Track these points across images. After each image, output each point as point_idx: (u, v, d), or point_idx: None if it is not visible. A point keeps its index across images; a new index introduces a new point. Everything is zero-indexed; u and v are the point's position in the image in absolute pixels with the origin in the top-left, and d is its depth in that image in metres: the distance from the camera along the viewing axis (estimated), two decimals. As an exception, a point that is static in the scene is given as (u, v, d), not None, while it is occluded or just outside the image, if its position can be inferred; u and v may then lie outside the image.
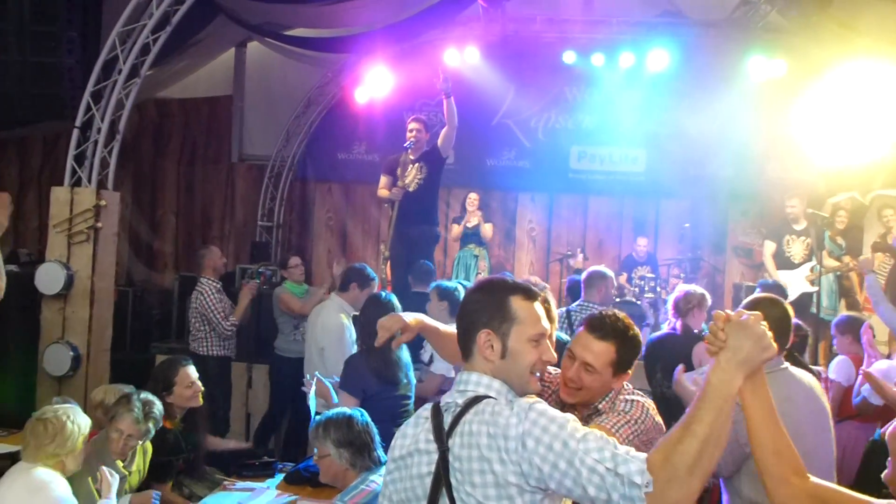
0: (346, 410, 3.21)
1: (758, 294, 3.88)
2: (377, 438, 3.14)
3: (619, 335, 2.49)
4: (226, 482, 3.86)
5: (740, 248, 9.36)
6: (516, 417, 1.73)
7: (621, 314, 2.57)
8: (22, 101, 6.00)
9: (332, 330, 4.93)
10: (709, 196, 9.16)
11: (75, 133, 5.95)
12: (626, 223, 9.47)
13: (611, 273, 5.42)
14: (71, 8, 5.95)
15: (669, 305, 4.91)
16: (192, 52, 8.87)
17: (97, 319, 5.84)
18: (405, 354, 4.13)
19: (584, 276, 5.42)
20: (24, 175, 10.47)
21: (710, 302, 4.81)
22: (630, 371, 2.55)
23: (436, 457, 1.80)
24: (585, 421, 2.48)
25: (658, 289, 7.95)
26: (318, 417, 3.25)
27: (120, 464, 3.62)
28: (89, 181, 5.89)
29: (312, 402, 3.86)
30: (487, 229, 8.55)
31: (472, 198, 8.57)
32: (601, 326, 2.49)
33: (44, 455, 3.06)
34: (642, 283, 8.03)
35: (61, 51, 5.90)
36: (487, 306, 1.93)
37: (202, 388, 4.19)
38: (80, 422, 3.18)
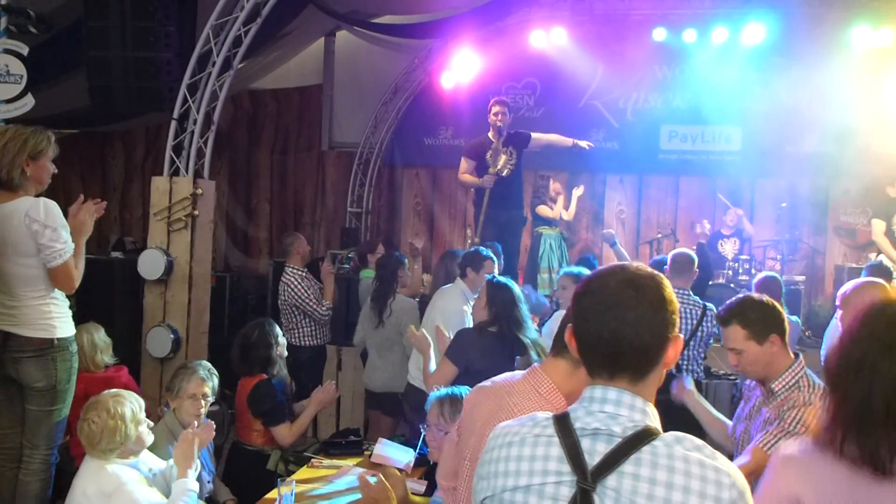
0: (456, 390, 3.19)
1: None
2: None
3: (737, 314, 2.82)
4: (314, 460, 3.97)
5: (842, 228, 8.92)
6: (728, 478, 1.35)
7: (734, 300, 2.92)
8: (124, 95, 6.24)
9: (451, 315, 4.88)
10: (808, 174, 8.77)
11: (173, 124, 6.18)
12: (719, 204, 9.18)
13: (695, 256, 5.29)
14: (168, 3, 6.15)
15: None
16: (282, 43, 9.10)
17: (195, 303, 6.08)
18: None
19: (670, 259, 5.28)
20: (129, 166, 11.00)
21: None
22: (779, 334, 2.79)
23: (567, 491, 1.39)
24: (767, 398, 2.84)
25: (753, 271, 7.68)
26: (437, 394, 3.25)
27: None
28: (187, 171, 6.12)
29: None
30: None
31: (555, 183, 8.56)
32: (721, 317, 2.91)
33: (101, 452, 3.07)
34: (736, 265, 7.78)
35: (159, 45, 6.09)
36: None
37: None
38: (123, 411, 3.12)
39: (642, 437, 1.38)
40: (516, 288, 4.16)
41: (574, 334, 1.51)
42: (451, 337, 4.18)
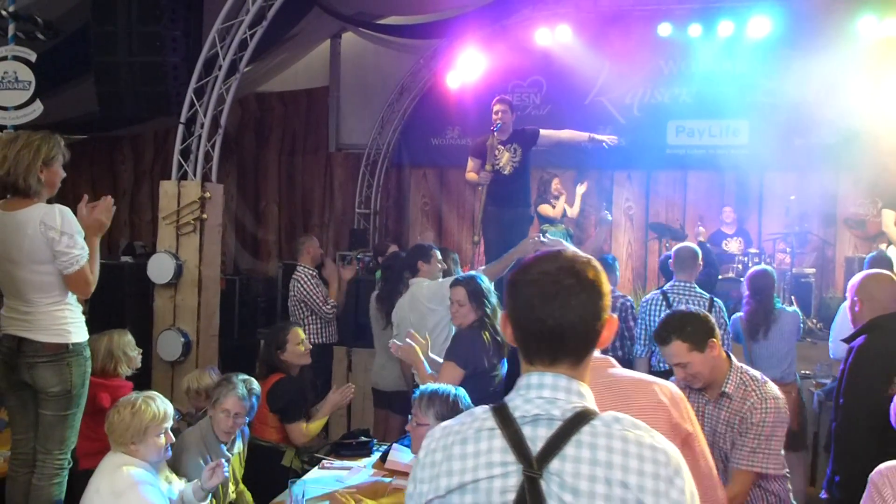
0: (451, 388, 3.19)
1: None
2: None
3: (674, 329, 2.95)
4: (324, 461, 3.98)
5: (852, 219, 8.86)
6: (664, 455, 1.37)
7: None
8: (132, 100, 6.29)
9: (445, 299, 4.60)
10: (816, 166, 8.71)
11: (181, 128, 6.23)
12: (727, 198, 9.14)
13: (699, 249, 5.30)
14: (175, 8, 6.18)
15: None
16: (289, 46, 9.13)
17: (205, 307, 6.12)
18: None
19: (673, 254, 5.30)
20: (138, 170, 11.05)
21: None
22: (715, 338, 2.93)
23: (515, 481, 1.37)
24: (718, 401, 2.99)
25: (762, 264, 7.63)
26: (424, 388, 3.25)
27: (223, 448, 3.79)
28: (195, 174, 6.15)
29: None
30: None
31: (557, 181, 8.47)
32: (660, 336, 3.01)
33: (115, 443, 3.17)
34: (746, 258, 7.75)
35: (166, 50, 6.13)
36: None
37: (311, 347, 4.66)
38: (143, 412, 3.19)
39: (582, 418, 1.39)
40: (485, 281, 4.20)
41: (514, 323, 1.50)
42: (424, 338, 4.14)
